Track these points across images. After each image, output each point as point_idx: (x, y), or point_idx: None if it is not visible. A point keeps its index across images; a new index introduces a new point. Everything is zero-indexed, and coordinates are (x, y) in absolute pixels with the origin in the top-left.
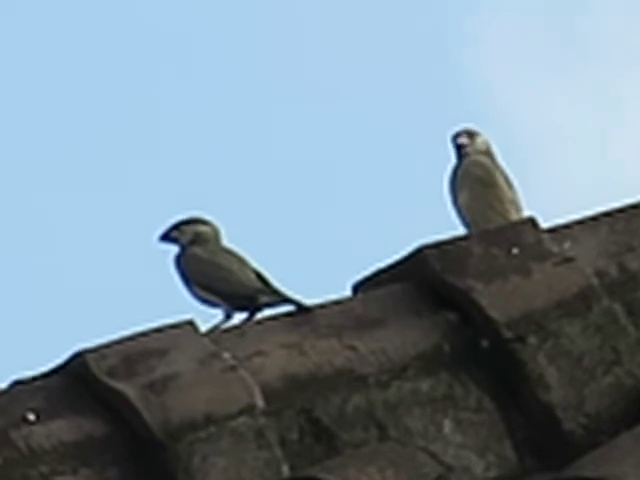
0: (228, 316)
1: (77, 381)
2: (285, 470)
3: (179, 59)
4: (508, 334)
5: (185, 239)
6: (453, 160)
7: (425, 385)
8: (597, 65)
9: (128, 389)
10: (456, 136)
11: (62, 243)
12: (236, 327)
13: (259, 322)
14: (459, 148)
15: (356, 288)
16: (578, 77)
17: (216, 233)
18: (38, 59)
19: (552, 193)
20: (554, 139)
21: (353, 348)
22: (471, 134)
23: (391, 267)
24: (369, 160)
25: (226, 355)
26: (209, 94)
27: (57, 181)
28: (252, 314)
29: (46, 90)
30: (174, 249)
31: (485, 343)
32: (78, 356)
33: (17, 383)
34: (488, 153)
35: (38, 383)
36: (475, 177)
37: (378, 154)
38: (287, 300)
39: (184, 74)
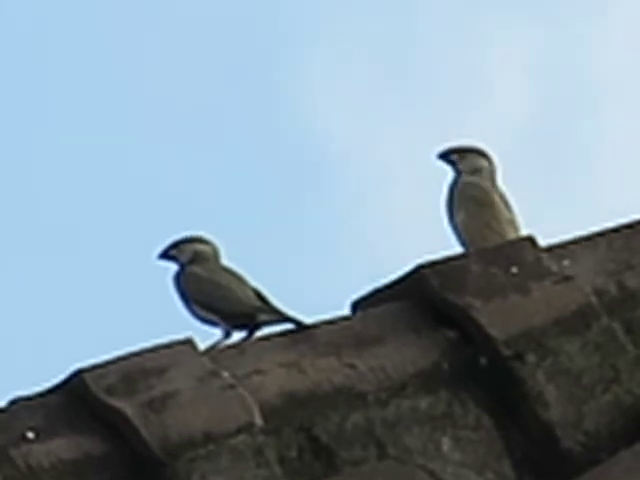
0: (227, 334)
1: (76, 399)
2: None
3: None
4: (507, 352)
5: (184, 257)
6: (449, 177)
7: (424, 403)
8: (431, 100)
9: (127, 407)
10: (446, 153)
11: (61, 261)
12: (235, 345)
13: (258, 340)
14: (451, 165)
15: (355, 306)
16: (411, 113)
17: (215, 252)
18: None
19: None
20: (385, 177)
21: (352, 366)
22: (462, 151)
23: (390, 285)
24: (371, 174)
25: (225, 373)
26: (216, 98)
27: (56, 195)
28: (251, 332)
29: (45, 100)
30: (173, 267)
31: (484, 361)
32: (77, 375)
33: (16, 401)
34: (482, 171)
35: (37, 401)
36: (471, 197)
37: (379, 171)
38: (286, 318)
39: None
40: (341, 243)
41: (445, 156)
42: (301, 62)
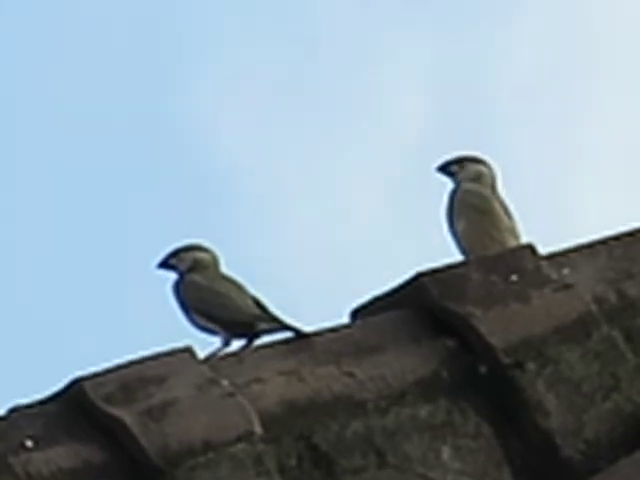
0: (226, 343)
1: (75, 408)
2: None
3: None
4: (507, 360)
5: (184, 266)
6: (449, 186)
7: (424, 411)
8: (327, 115)
9: (126, 415)
10: (445, 165)
11: (61, 269)
12: (234, 354)
13: (257, 349)
14: (451, 176)
15: (354, 315)
16: (309, 129)
17: (215, 260)
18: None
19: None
20: (281, 191)
21: (352, 374)
22: (461, 161)
23: (389, 294)
24: (379, 185)
25: (224, 382)
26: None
27: (56, 203)
28: (250, 341)
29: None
30: (173, 276)
31: (484, 369)
32: (76, 383)
33: (15, 410)
34: (482, 179)
35: (36, 410)
36: (471, 205)
37: (380, 179)
38: (285, 327)
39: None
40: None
41: (444, 168)
42: (200, 78)
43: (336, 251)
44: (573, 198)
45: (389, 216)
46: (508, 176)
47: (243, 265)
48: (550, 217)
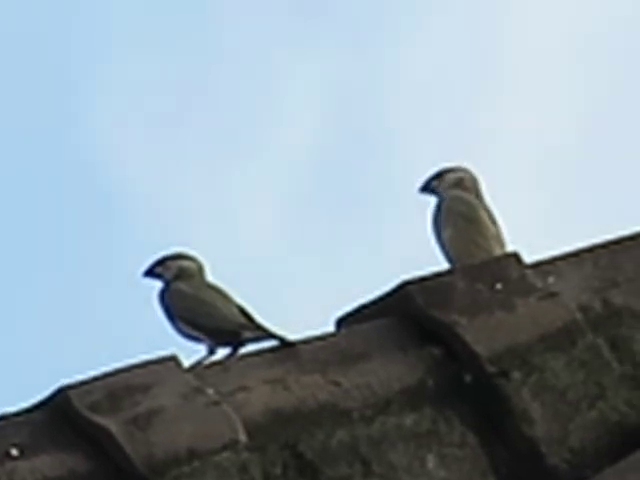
0: (211, 351)
1: (60, 416)
2: None
3: None
4: (492, 369)
5: (169, 274)
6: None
7: (409, 420)
8: (225, 134)
9: (111, 424)
10: (426, 185)
11: (46, 277)
12: (219, 362)
13: (243, 357)
14: (432, 192)
15: (340, 323)
16: (206, 148)
17: (200, 268)
18: None
19: None
20: (182, 212)
21: (337, 383)
22: (439, 175)
23: (375, 302)
24: (353, 194)
25: (209, 390)
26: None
27: (42, 211)
28: (235, 349)
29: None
30: (158, 284)
31: (469, 378)
32: (61, 391)
33: (1, 418)
34: (463, 184)
35: (21, 419)
36: (458, 213)
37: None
38: (271, 335)
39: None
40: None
41: (425, 187)
42: (95, 93)
43: (228, 270)
44: None
45: (288, 232)
46: (405, 191)
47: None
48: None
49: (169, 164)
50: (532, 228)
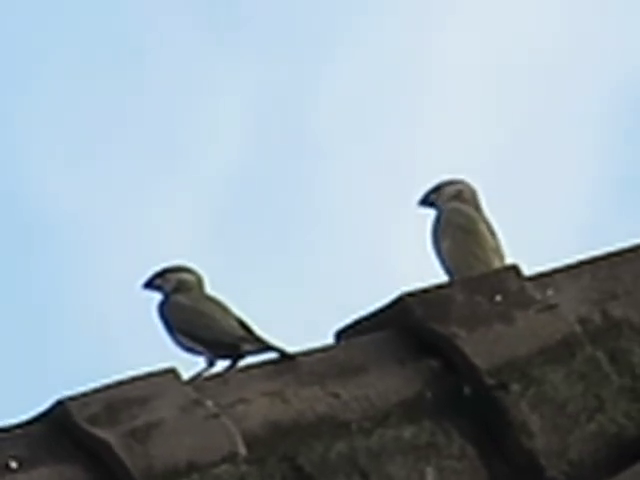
0: (211, 364)
1: (59, 429)
2: None
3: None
4: (491, 381)
5: (168, 287)
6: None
7: (408, 432)
8: (153, 149)
9: (110, 437)
10: (424, 198)
11: (44, 288)
12: (219, 375)
13: (242, 370)
14: (431, 205)
15: (339, 336)
16: (132, 166)
17: (199, 281)
18: None
19: None
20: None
21: (336, 395)
22: (438, 188)
23: (374, 314)
24: (353, 205)
25: (209, 403)
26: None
27: (44, 219)
28: (235, 362)
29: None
30: (157, 296)
31: (468, 390)
32: (60, 404)
33: None
34: (462, 196)
35: (20, 431)
36: (457, 225)
37: (365, 200)
38: (270, 348)
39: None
40: None
41: (424, 201)
42: (19, 120)
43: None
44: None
45: (209, 247)
46: (334, 207)
47: None
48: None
49: (91, 181)
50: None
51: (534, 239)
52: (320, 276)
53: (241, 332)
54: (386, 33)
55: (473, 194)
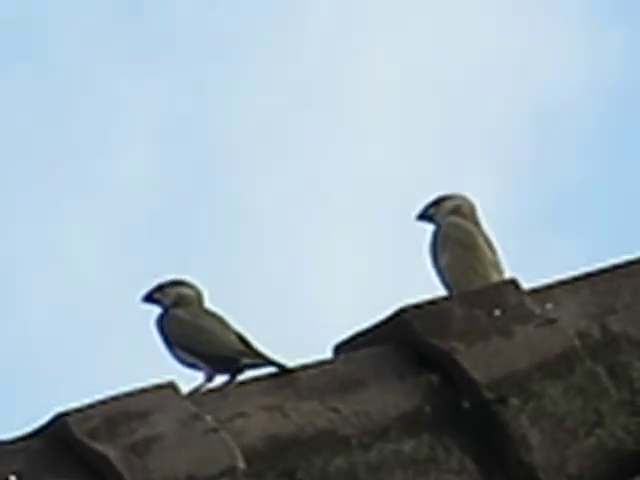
0: (210, 378)
1: (59, 443)
2: None
3: None
4: (490, 395)
5: (168, 301)
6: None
7: (407, 447)
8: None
9: (110, 451)
10: (423, 212)
11: (44, 302)
12: (218, 389)
13: (241, 384)
14: (430, 219)
15: (338, 350)
16: (39, 183)
17: (199, 295)
18: None
19: None
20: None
21: (335, 410)
22: (436, 202)
23: (372, 329)
24: (347, 221)
25: (208, 417)
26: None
27: (40, 234)
28: (234, 376)
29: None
30: (157, 310)
31: (467, 404)
32: (59, 418)
33: None
34: (460, 211)
35: (20, 445)
36: (455, 239)
37: (355, 216)
38: (269, 362)
39: None
40: None
41: (423, 215)
42: None
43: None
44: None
45: (121, 265)
46: (247, 219)
47: None
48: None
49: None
50: None
51: (533, 253)
52: (225, 292)
53: (240, 346)
54: (296, 49)
55: (472, 209)
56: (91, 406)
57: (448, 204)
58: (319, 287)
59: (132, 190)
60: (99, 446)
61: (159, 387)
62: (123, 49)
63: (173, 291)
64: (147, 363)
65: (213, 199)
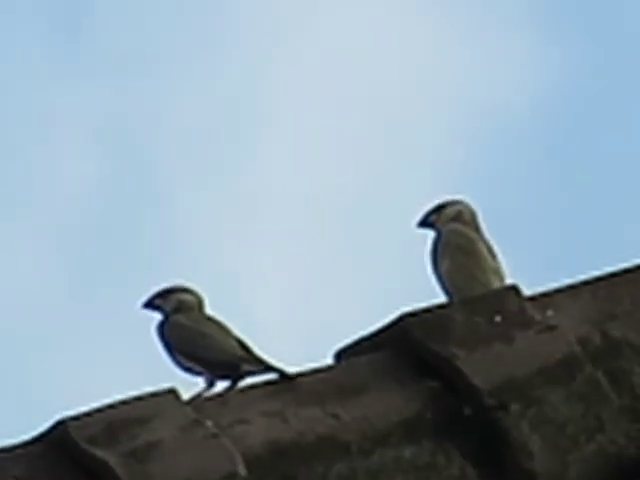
0: (211, 384)
1: (59, 449)
2: None
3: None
4: (491, 401)
5: (169, 307)
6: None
7: (408, 453)
8: None
9: (110, 457)
10: (424, 219)
11: (44, 310)
12: (218, 395)
13: (241, 390)
14: (430, 226)
15: (338, 356)
16: None
17: (199, 301)
18: None
19: None
20: None
21: (336, 416)
22: (438, 209)
23: (373, 335)
24: (352, 227)
25: (208, 423)
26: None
27: (41, 239)
28: (234, 382)
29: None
30: (158, 317)
31: (468, 410)
32: (60, 424)
33: None
34: (461, 217)
35: (20, 451)
36: (456, 246)
37: (361, 221)
38: (270, 368)
39: None
40: None
41: (424, 222)
42: None
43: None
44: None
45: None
46: (175, 224)
47: None
48: None
49: None
50: None
51: (533, 259)
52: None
53: (241, 352)
54: (225, 69)
55: (473, 215)
56: (92, 412)
57: (449, 211)
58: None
59: (67, 208)
60: (99, 452)
61: (160, 393)
62: (57, 63)
63: (174, 297)
64: (148, 369)
65: (142, 203)
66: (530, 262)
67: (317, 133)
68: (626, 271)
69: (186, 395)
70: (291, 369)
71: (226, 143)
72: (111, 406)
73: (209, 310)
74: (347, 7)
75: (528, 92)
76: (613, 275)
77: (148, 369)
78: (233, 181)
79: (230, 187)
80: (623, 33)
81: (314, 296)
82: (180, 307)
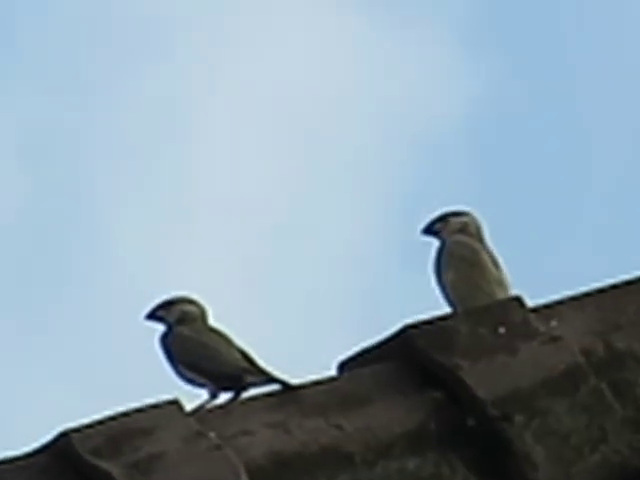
0: (214, 395)
1: (62, 461)
2: None
3: None
4: (495, 412)
5: (172, 318)
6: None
7: (411, 464)
8: None
9: (113, 468)
10: (429, 227)
11: (47, 320)
12: (221, 406)
13: (244, 401)
14: (435, 235)
15: (342, 367)
16: None
17: (202, 312)
18: None
19: None
20: None
21: (339, 427)
22: (443, 217)
23: (377, 346)
24: (354, 239)
25: (211, 434)
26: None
27: (42, 252)
28: (238, 393)
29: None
30: (161, 328)
31: (471, 421)
32: (63, 436)
33: (2, 462)
34: (467, 229)
35: (23, 462)
36: (460, 257)
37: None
38: (273, 379)
39: None
40: None
41: (429, 229)
42: None
43: None
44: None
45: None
46: (100, 239)
47: None
48: None
49: None
50: None
51: (538, 270)
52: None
53: (244, 364)
54: (150, 82)
55: (478, 227)
56: (95, 424)
57: (455, 221)
58: None
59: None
60: (103, 463)
61: (163, 405)
62: None
63: (177, 308)
64: (151, 380)
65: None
66: (534, 274)
67: (240, 147)
68: (629, 282)
69: (189, 406)
70: (294, 380)
71: (152, 159)
72: (114, 418)
73: (213, 321)
74: (270, 23)
75: (451, 106)
76: (617, 286)
77: (151, 380)
78: (158, 194)
79: (156, 200)
80: (533, 44)
81: (320, 305)
82: (183, 318)
